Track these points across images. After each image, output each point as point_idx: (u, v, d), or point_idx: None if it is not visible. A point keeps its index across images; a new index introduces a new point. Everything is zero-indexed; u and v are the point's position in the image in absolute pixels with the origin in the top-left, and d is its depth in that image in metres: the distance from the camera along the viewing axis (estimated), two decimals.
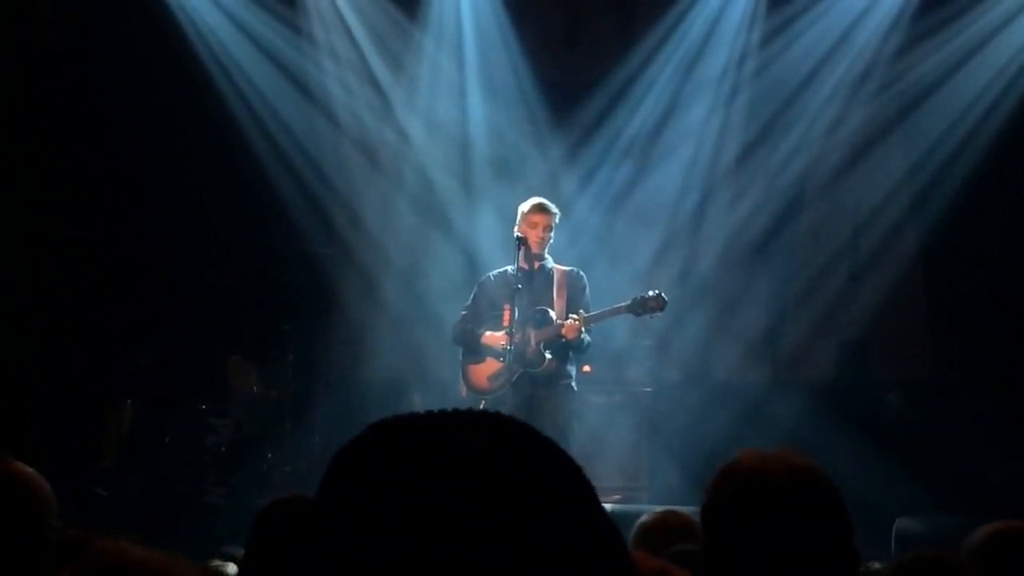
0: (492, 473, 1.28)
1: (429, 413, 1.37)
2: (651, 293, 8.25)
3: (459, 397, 8.67)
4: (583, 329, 8.21)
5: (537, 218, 8.33)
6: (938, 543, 4.47)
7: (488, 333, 8.45)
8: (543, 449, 1.33)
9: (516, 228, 8.36)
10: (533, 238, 8.31)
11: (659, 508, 4.76)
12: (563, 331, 8.17)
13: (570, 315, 8.21)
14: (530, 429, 1.35)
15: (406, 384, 11.11)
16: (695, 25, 11.51)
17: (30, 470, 3.37)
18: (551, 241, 8.47)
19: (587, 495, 1.34)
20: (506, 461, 1.29)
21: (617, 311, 8.38)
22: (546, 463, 1.32)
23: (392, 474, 1.29)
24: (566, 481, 1.33)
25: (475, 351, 8.52)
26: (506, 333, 8.23)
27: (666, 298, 8.25)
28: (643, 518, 4.33)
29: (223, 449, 10.24)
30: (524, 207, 8.40)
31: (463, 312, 8.65)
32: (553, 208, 8.40)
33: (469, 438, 1.31)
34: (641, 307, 8.21)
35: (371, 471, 1.31)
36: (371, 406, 10.91)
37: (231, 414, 10.52)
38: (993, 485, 9.71)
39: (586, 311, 8.30)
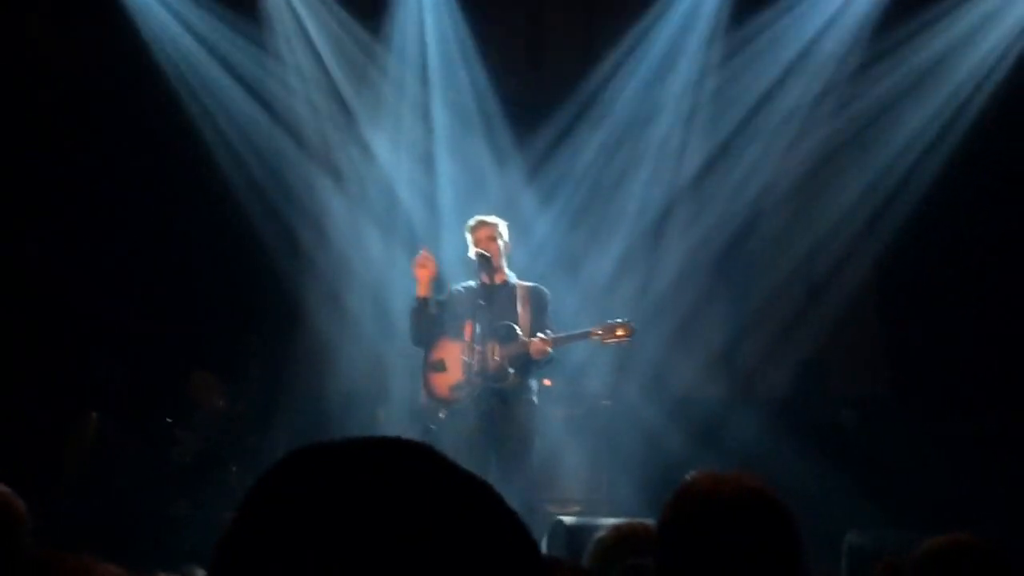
0: (400, 503, 1.29)
1: (347, 440, 1.37)
2: (620, 321, 8.33)
3: (420, 408, 8.75)
4: (550, 349, 8.31)
5: (479, 233, 8.52)
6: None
7: (448, 342, 8.54)
8: (451, 476, 1.35)
9: (471, 250, 8.49)
10: (492, 251, 8.44)
11: (617, 520, 4.85)
12: (530, 349, 8.27)
13: (538, 334, 8.30)
14: (438, 455, 1.36)
15: (370, 398, 11.14)
16: (656, 44, 11.59)
17: (3, 487, 3.40)
18: (509, 250, 8.60)
19: (502, 521, 1.35)
20: (415, 491, 1.31)
21: (585, 335, 8.47)
22: (458, 491, 1.34)
23: (304, 504, 1.30)
24: (479, 509, 1.34)
25: (428, 332, 8.62)
26: (467, 347, 8.31)
27: (634, 327, 8.33)
28: (600, 533, 4.42)
29: (187, 462, 10.25)
30: (466, 230, 8.58)
31: None
32: (491, 219, 8.58)
33: (378, 469, 1.32)
34: (608, 334, 8.30)
35: (284, 500, 1.32)
36: (335, 420, 10.96)
37: (196, 428, 10.50)
38: (944, 500, 9.82)
39: (550, 327, 8.40)
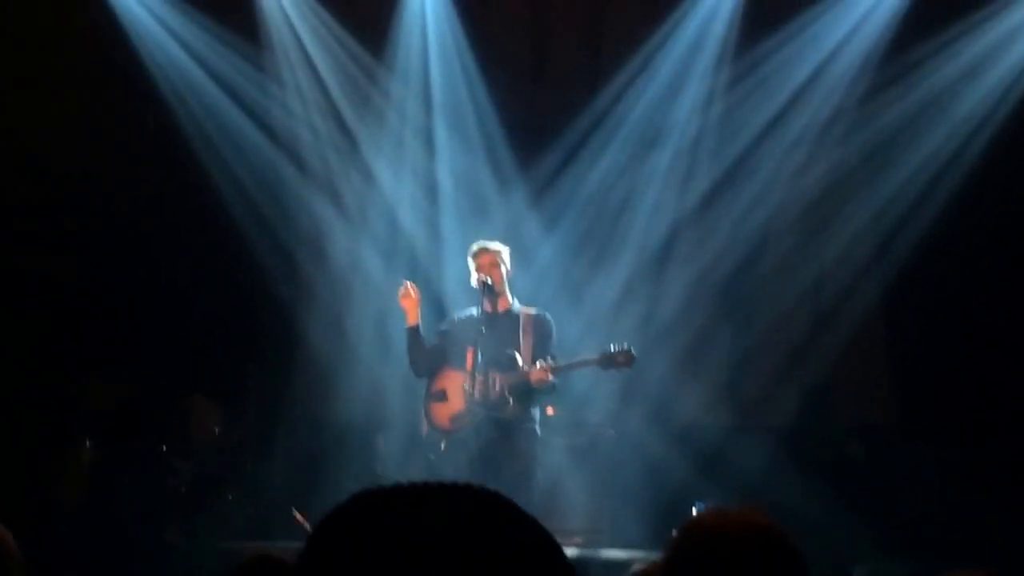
0: (468, 549, 1.31)
1: (412, 485, 1.41)
2: (620, 348, 8.24)
3: (421, 437, 8.68)
4: (551, 377, 8.22)
5: (481, 260, 8.46)
6: None
7: (450, 371, 8.46)
8: (518, 522, 1.37)
9: (472, 277, 8.43)
10: (494, 278, 8.37)
11: (626, 553, 4.77)
12: (530, 377, 8.18)
13: (539, 363, 8.22)
14: (505, 501, 1.39)
15: (369, 425, 11.07)
16: (663, 68, 11.55)
17: None
18: (510, 276, 8.54)
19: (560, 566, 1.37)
20: (482, 536, 1.33)
21: (586, 363, 8.40)
22: (522, 537, 1.36)
23: (372, 548, 1.33)
24: (541, 555, 1.36)
25: (426, 361, 8.56)
26: (468, 375, 8.23)
27: (635, 354, 8.24)
28: (635, 567, 4.37)
29: (183, 490, 10.18)
30: (468, 256, 8.51)
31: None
32: (493, 245, 8.52)
33: (447, 512, 1.35)
34: (610, 361, 8.22)
35: (352, 543, 1.35)
36: (333, 447, 10.89)
37: (192, 454, 10.46)
38: (952, 533, 9.74)
39: (552, 355, 8.32)
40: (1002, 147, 10.77)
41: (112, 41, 11.15)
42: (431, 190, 11.72)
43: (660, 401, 11.07)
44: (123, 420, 10.50)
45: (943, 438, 10.70)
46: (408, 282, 8.59)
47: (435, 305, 10.19)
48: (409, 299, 8.52)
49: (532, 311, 8.60)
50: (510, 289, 8.62)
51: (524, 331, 8.43)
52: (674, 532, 2.84)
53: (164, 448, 10.33)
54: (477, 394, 8.20)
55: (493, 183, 11.59)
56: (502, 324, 8.43)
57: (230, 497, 10.43)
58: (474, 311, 8.49)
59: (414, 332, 8.55)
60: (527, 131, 11.68)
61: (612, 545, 9.70)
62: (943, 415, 10.79)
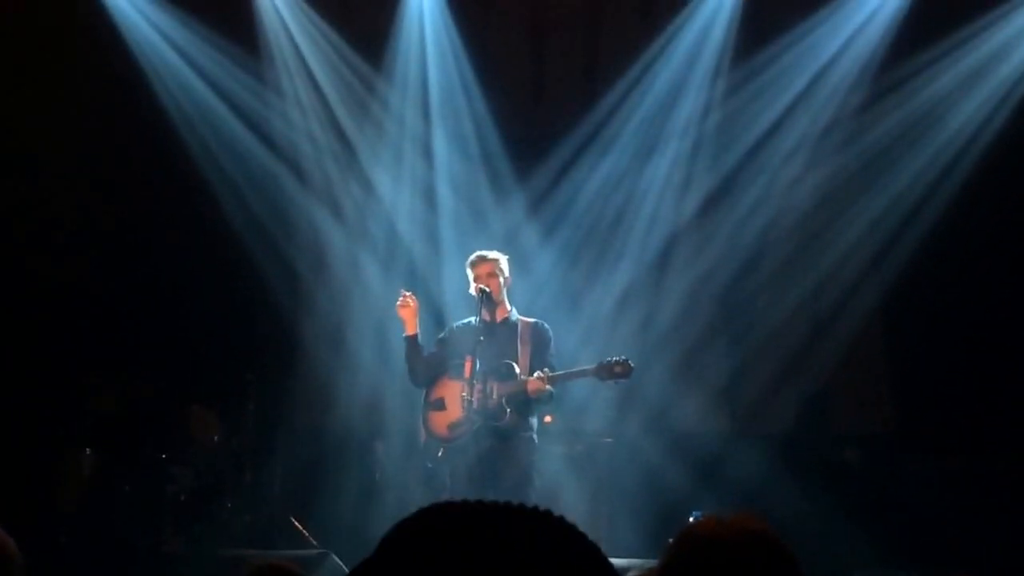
0: (534, 565, 1.39)
1: (480, 502, 1.48)
2: (618, 359, 8.25)
3: (419, 445, 8.68)
4: (548, 386, 8.23)
5: (480, 269, 8.47)
6: None
7: (448, 380, 8.48)
8: (579, 544, 1.45)
9: (471, 286, 8.45)
10: (493, 287, 8.39)
11: (624, 561, 4.78)
12: (527, 387, 8.19)
13: (536, 372, 8.23)
14: (566, 524, 1.47)
15: (368, 434, 11.08)
16: (660, 78, 11.58)
17: None
18: (508, 285, 8.55)
19: None
20: (548, 555, 1.40)
21: (583, 373, 8.40)
22: (583, 557, 1.44)
23: (444, 556, 1.40)
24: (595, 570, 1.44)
25: (425, 370, 8.56)
26: (467, 384, 8.24)
27: (632, 365, 8.24)
28: (631, 574, 4.37)
29: (183, 498, 10.17)
30: (467, 265, 8.53)
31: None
32: (491, 255, 8.53)
33: (514, 530, 1.42)
34: (607, 372, 8.22)
35: (425, 550, 1.42)
36: (332, 455, 10.91)
37: (191, 463, 10.44)
38: (948, 540, 9.75)
39: (550, 364, 8.33)
40: (998, 156, 10.80)
41: (113, 53, 11.18)
42: (429, 200, 11.74)
43: (658, 409, 11.08)
44: (123, 427, 10.48)
45: (940, 446, 10.72)
46: (406, 292, 8.59)
47: (434, 314, 10.21)
48: (407, 309, 8.53)
49: (530, 320, 8.61)
50: (509, 298, 8.63)
51: (522, 340, 8.44)
52: (671, 540, 2.86)
53: (164, 456, 10.32)
54: (475, 403, 8.19)
55: (491, 193, 11.61)
56: (500, 333, 8.44)
57: (229, 505, 10.43)
58: (473, 320, 8.48)
59: (413, 341, 8.56)
60: (524, 142, 11.70)
61: (610, 553, 9.65)
62: (940, 423, 10.80)
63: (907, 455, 10.80)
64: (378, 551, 1.46)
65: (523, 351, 8.40)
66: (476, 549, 1.39)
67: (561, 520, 1.47)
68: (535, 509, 1.47)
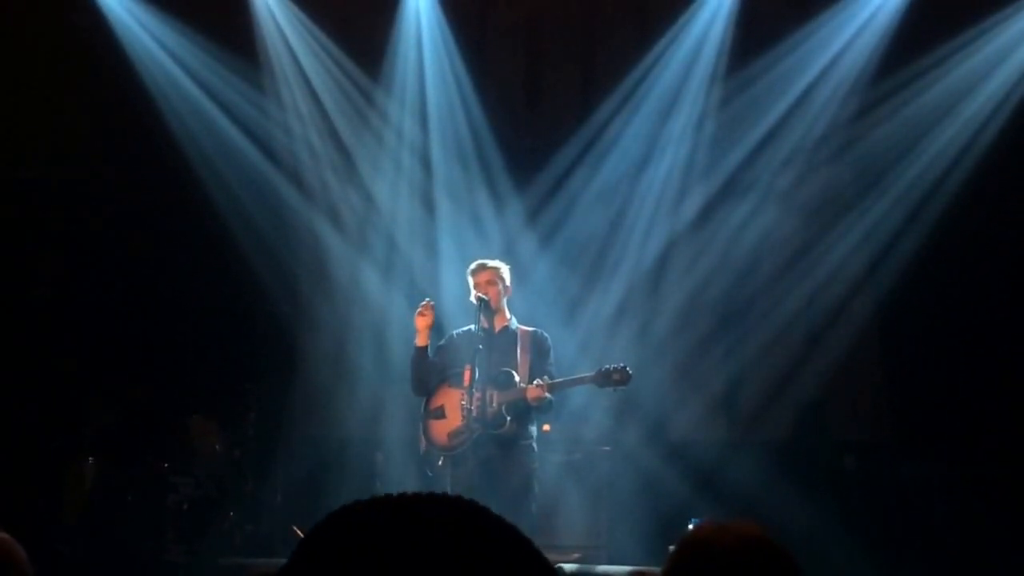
0: (447, 556, 1.37)
1: (388, 497, 1.45)
2: (616, 366, 8.26)
3: (419, 454, 8.69)
4: (547, 394, 8.26)
5: (479, 277, 8.47)
6: None
7: (448, 389, 8.51)
8: (498, 528, 1.43)
9: (471, 294, 8.47)
10: (492, 295, 8.42)
11: (623, 568, 4.82)
12: (527, 395, 8.21)
13: (535, 380, 8.26)
14: (483, 510, 1.45)
15: (367, 443, 11.09)
16: (656, 87, 11.62)
17: (5, 535, 3.37)
18: (508, 294, 8.58)
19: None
20: (461, 543, 1.39)
21: (581, 381, 8.40)
22: (503, 542, 1.42)
23: (355, 560, 1.37)
24: (523, 559, 1.41)
25: (428, 380, 8.56)
26: (466, 392, 8.26)
27: (631, 372, 8.25)
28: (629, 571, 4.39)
29: (184, 508, 10.18)
30: (467, 273, 8.55)
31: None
32: (491, 263, 8.54)
33: (429, 523, 1.40)
34: (605, 379, 8.23)
35: (335, 557, 1.39)
36: (332, 465, 10.91)
37: (193, 473, 10.46)
38: (946, 548, 9.78)
39: (550, 374, 8.34)
40: (992, 164, 10.82)
41: (113, 64, 11.21)
42: (428, 209, 11.77)
43: (656, 417, 11.09)
44: (125, 438, 10.51)
45: (936, 453, 10.73)
46: (429, 301, 8.58)
47: (431, 327, 10.26)
48: (424, 319, 8.51)
49: (530, 329, 8.61)
50: (508, 307, 8.65)
51: (522, 349, 8.44)
52: (671, 548, 2.89)
53: (165, 465, 10.34)
54: (475, 411, 8.20)
55: (489, 201, 11.64)
56: (500, 342, 8.44)
57: (231, 514, 10.44)
58: (472, 328, 8.49)
59: (422, 352, 8.54)
60: (522, 151, 11.73)
61: (609, 560, 9.73)
62: (936, 430, 10.81)
63: (904, 462, 10.81)
64: (294, 554, 1.46)
65: (522, 359, 8.40)
66: (393, 543, 1.38)
67: (482, 509, 1.47)
68: (450, 497, 1.46)
